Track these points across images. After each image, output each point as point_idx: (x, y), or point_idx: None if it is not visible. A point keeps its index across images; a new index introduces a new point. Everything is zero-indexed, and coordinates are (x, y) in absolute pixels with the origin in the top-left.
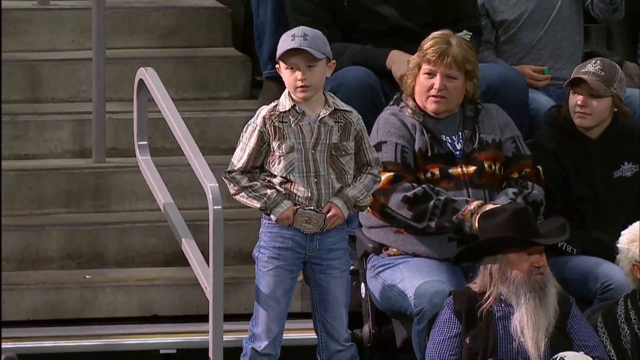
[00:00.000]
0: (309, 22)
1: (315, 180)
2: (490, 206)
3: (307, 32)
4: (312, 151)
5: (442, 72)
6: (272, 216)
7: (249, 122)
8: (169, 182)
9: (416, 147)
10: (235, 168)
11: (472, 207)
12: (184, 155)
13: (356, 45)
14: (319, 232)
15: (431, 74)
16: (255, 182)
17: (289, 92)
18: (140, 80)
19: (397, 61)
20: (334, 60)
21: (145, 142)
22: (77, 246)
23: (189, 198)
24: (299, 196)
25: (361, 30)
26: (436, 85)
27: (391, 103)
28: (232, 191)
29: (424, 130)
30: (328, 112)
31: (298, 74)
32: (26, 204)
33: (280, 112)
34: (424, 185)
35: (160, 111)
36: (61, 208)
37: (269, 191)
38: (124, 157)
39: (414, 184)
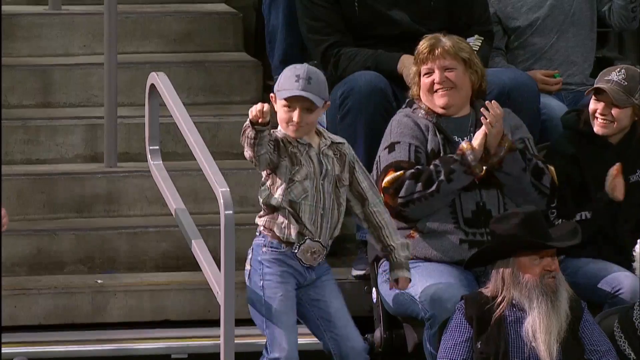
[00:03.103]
0: (319, 26)
1: (322, 212)
2: (481, 134)
3: (311, 75)
4: (322, 182)
5: (438, 66)
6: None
7: None
8: (180, 186)
9: (429, 148)
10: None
11: (464, 142)
12: (196, 159)
13: (368, 49)
14: (315, 266)
15: (430, 72)
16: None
17: None
18: (152, 85)
19: (408, 66)
20: (329, 102)
21: (157, 147)
22: (89, 251)
23: (201, 203)
24: (307, 229)
25: (373, 35)
26: (436, 79)
27: (404, 106)
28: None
29: (437, 131)
30: (326, 144)
31: (294, 115)
32: (38, 208)
33: (292, 144)
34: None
35: (171, 116)
36: (73, 213)
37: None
38: (135, 161)
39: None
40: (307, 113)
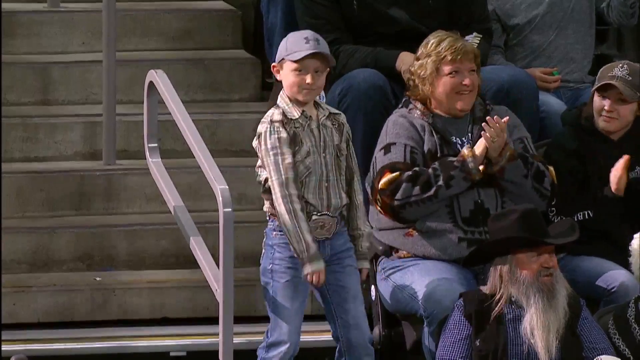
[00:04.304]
0: (319, 24)
1: (326, 184)
2: (482, 142)
3: (317, 37)
4: (323, 154)
5: (467, 68)
6: (303, 269)
7: (264, 132)
8: (179, 184)
9: (425, 148)
10: (289, 176)
11: (465, 148)
12: (194, 157)
13: (366, 47)
14: (330, 237)
15: (456, 72)
16: (303, 218)
17: (288, 98)
18: (151, 83)
19: (407, 63)
20: (328, 68)
21: (156, 145)
22: (88, 248)
23: (199, 200)
24: (311, 205)
25: (372, 33)
26: (466, 82)
27: (400, 106)
28: (284, 213)
29: (433, 132)
30: (325, 115)
31: (308, 77)
32: (37, 206)
33: (292, 120)
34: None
35: (170, 113)
36: (72, 210)
37: (309, 238)
38: (134, 159)
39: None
40: (318, 75)
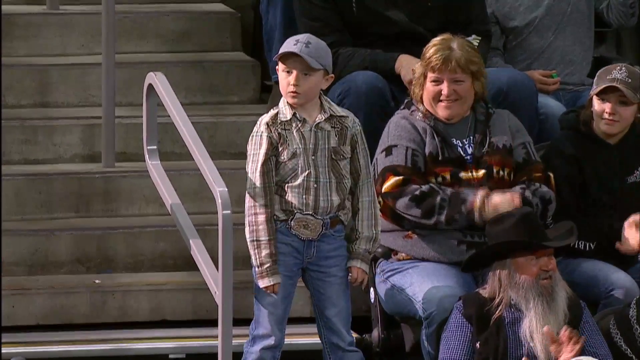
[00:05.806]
0: (318, 26)
1: (315, 186)
2: (497, 197)
3: (311, 41)
4: (313, 157)
5: (448, 78)
6: (258, 282)
7: (252, 134)
8: (178, 186)
9: (427, 151)
10: (256, 185)
11: (479, 199)
12: (193, 159)
13: (365, 49)
14: (317, 239)
15: (438, 81)
16: (265, 230)
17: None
18: (150, 85)
19: (406, 66)
20: (332, 75)
21: (155, 147)
22: (87, 251)
23: (198, 202)
24: (294, 204)
25: (371, 35)
26: (444, 92)
27: (402, 107)
28: (246, 225)
29: (435, 134)
30: (324, 118)
31: (292, 78)
32: (36, 208)
33: (282, 121)
34: (430, 184)
35: (169, 116)
36: (71, 212)
37: (264, 254)
38: (133, 161)
39: (422, 186)
40: (305, 78)
